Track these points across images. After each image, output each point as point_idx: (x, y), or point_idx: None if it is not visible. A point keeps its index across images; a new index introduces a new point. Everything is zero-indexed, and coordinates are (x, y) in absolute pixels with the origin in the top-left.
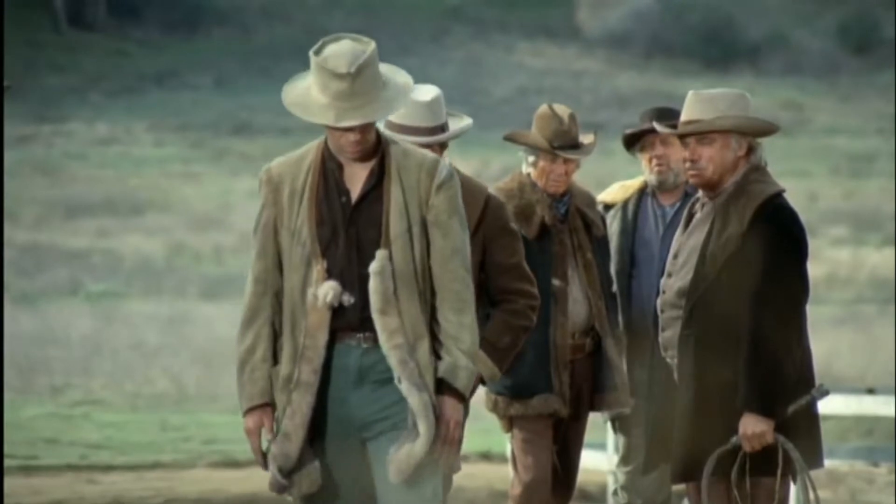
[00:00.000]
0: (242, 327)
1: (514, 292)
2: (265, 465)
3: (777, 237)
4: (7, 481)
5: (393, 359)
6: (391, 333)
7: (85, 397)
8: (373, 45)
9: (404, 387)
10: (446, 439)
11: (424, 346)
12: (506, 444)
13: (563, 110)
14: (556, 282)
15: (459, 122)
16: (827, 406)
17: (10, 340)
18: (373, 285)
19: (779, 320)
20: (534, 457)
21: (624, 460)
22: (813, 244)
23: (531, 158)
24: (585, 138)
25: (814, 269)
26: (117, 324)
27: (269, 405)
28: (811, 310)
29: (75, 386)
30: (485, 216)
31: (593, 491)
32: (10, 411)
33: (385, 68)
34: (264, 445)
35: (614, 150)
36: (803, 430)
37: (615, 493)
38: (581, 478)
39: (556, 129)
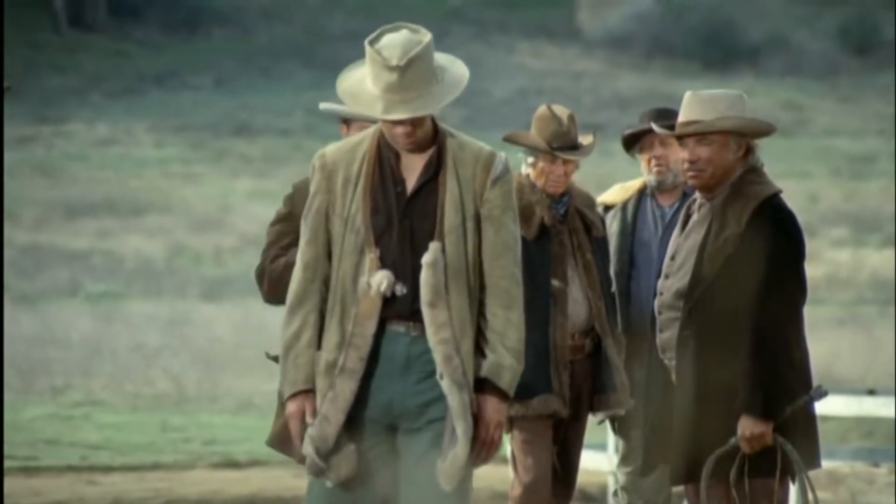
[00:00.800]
0: (289, 312)
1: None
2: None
3: (775, 238)
4: (7, 482)
5: (439, 353)
6: (439, 327)
7: (85, 398)
8: (428, 36)
9: (446, 384)
10: (485, 441)
11: (469, 343)
12: (506, 444)
13: (562, 111)
14: (555, 282)
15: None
16: (827, 407)
17: (10, 341)
18: (424, 277)
19: (777, 321)
20: (534, 457)
21: (624, 461)
22: (813, 245)
23: (530, 159)
24: (584, 139)
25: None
26: (117, 325)
27: (312, 391)
28: (811, 311)
29: (75, 387)
30: None
31: (594, 492)
32: (10, 412)
33: (442, 58)
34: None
35: (615, 151)
36: (801, 430)
37: (615, 493)
38: (581, 478)
39: (555, 130)
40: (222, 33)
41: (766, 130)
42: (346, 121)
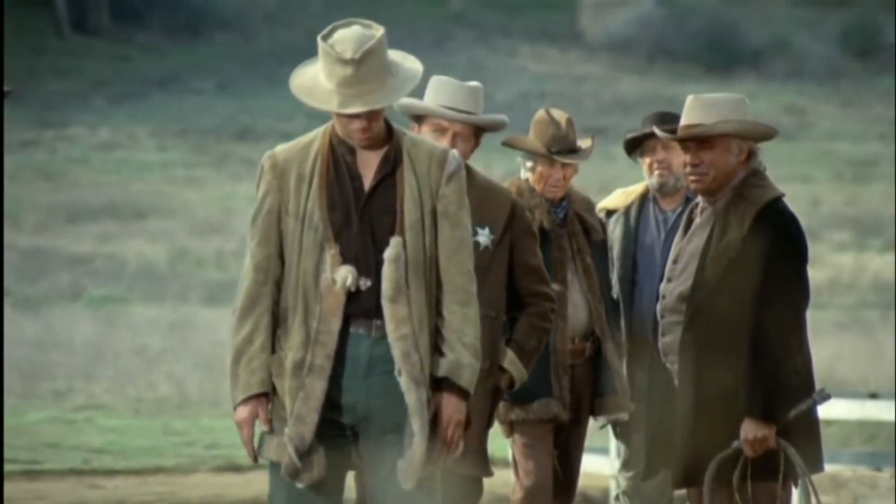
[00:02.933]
0: (240, 316)
1: (538, 295)
2: (255, 457)
3: (777, 242)
4: (9, 486)
5: (397, 350)
6: (399, 322)
7: (87, 402)
8: (381, 31)
9: (403, 381)
10: (444, 440)
11: (426, 339)
12: (507, 448)
13: (560, 115)
14: (555, 286)
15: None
16: (829, 411)
17: (12, 345)
18: (386, 272)
19: (780, 325)
20: (535, 461)
21: (625, 465)
22: (815, 249)
23: (529, 164)
24: (583, 142)
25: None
26: (120, 329)
27: (265, 395)
28: (813, 315)
29: (78, 391)
30: (512, 220)
31: (595, 496)
32: (12, 416)
33: (395, 55)
34: (256, 437)
35: (616, 155)
36: (804, 434)
37: (617, 498)
38: (583, 482)
39: (553, 134)
40: (224, 37)
41: (767, 134)
42: (419, 119)
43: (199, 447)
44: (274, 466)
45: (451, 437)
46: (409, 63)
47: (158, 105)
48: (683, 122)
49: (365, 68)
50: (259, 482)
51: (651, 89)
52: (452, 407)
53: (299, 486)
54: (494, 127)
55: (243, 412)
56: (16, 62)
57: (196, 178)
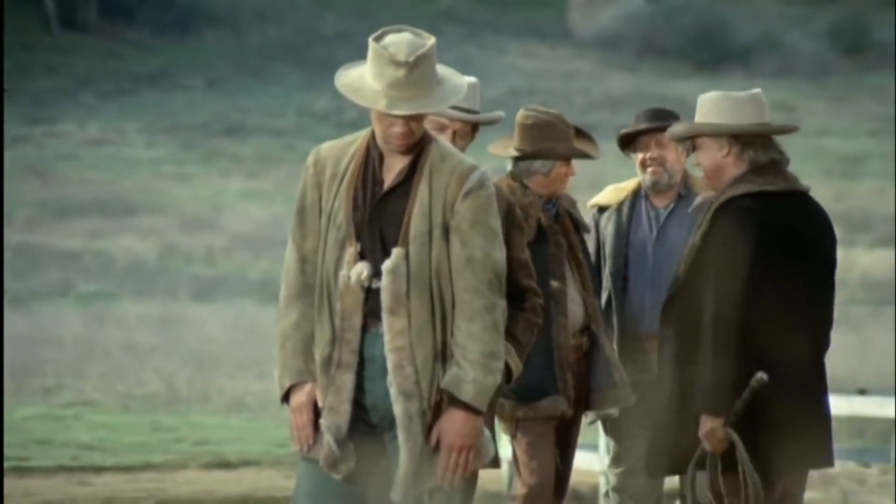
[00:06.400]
0: (287, 303)
1: (528, 290)
2: (313, 441)
3: (719, 237)
4: None
5: (390, 361)
6: (395, 334)
7: (77, 398)
8: (433, 40)
9: (393, 392)
10: (447, 467)
11: (426, 352)
12: (507, 445)
13: (555, 113)
14: (554, 283)
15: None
16: None
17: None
18: (384, 283)
19: (714, 320)
20: (539, 460)
21: (615, 462)
22: None
23: (544, 164)
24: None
25: None
26: (109, 325)
27: (314, 382)
28: None
29: (67, 387)
30: (507, 217)
31: (585, 492)
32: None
33: (442, 68)
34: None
35: (606, 151)
36: (812, 428)
37: (606, 494)
38: (573, 479)
39: (568, 133)
40: (214, 34)
41: (721, 131)
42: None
43: (188, 444)
44: (304, 463)
45: (453, 463)
46: (456, 78)
47: (148, 102)
48: (756, 120)
49: (416, 73)
50: (249, 479)
51: (640, 86)
52: (454, 426)
53: (336, 476)
54: (491, 123)
55: (300, 397)
56: (5, 59)
57: (185, 175)
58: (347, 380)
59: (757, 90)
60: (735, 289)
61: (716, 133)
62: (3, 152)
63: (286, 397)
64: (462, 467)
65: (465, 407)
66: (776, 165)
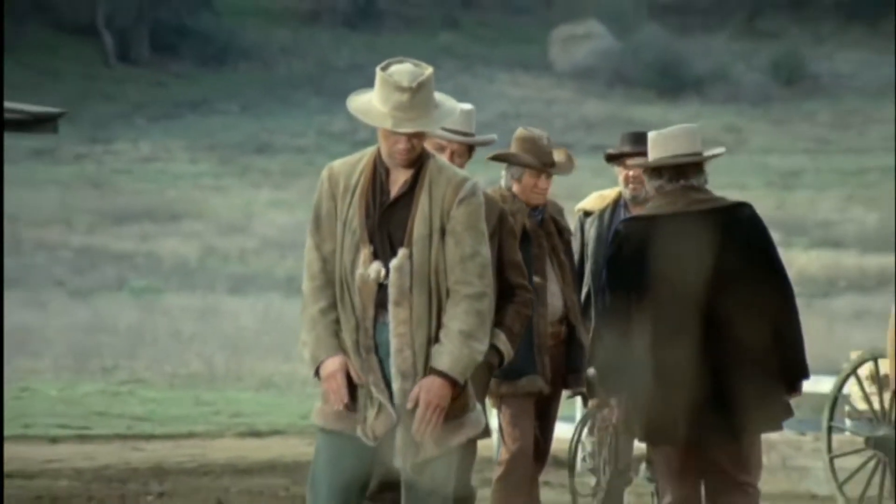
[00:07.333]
0: (313, 293)
1: (520, 286)
2: (352, 400)
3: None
4: (64, 448)
5: (393, 345)
6: (399, 322)
7: (130, 377)
8: (431, 69)
9: (393, 371)
10: (421, 419)
11: (423, 337)
12: (494, 417)
13: (541, 134)
14: (536, 279)
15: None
16: None
17: (66, 329)
18: (392, 278)
19: (595, 313)
20: (520, 429)
21: (592, 431)
22: None
23: (517, 174)
24: (557, 156)
25: None
26: (157, 315)
27: (344, 356)
28: None
29: (122, 367)
30: (500, 223)
31: (563, 458)
32: (67, 389)
33: (439, 94)
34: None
35: (581, 165)
36: (760, 397)
37: (584, 459)
38: (553, 446)
39: (541, 149)
40: (247, 66)
41: (637, 165)
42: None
43: (224, 416)
44: (323, 433)
45: (427, 417)
46: (450, 102)
47: (190, 124)
48: (684, 150)
49: (418, 97)
50: (276, 446)
51: (611, 111)
52: (431, 388)
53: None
54: (485, 144)
55: (333, 364)
56: (70, 88)
57: (222, 187)
58: (374, 360)
59: (690, 125)
60: (602, 291)
61: (640, 166)
62: (3, 166)
63: (316, 371)
64: (433, 423)
65: (442, 375)
66: (683, 190)
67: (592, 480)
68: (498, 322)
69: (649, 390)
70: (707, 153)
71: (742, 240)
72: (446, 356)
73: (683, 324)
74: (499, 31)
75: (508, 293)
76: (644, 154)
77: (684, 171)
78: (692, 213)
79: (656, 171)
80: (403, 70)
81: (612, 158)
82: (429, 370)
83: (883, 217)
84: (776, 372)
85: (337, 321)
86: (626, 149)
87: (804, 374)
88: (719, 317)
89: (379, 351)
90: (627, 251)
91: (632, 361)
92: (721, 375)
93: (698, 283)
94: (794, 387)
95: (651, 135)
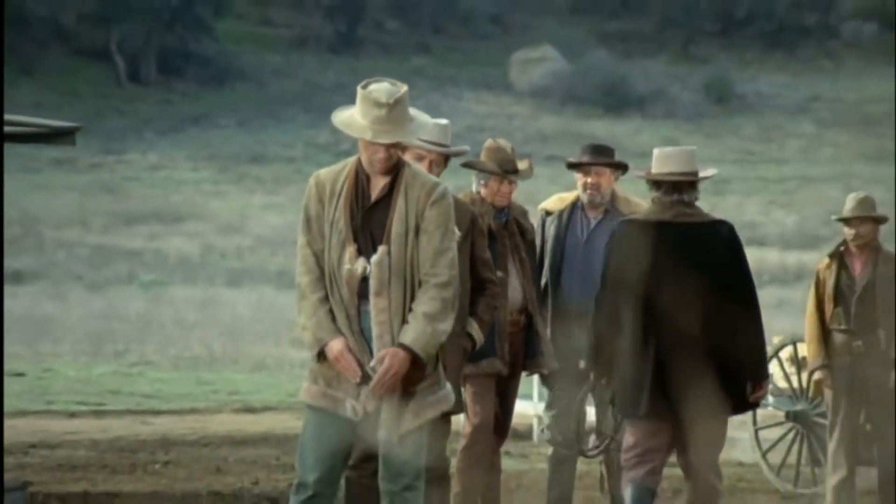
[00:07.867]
0: (309, 286)
1: (489, 281)
2: (362, 374)
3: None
4: (81, 422)
5: (374, 331)
6: (379, 311)
7: (139, 359)
8: (406, 87)
9: (376, 356)
10: (379, 380)
11: (400, 325)
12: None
13: (505, 144)
14: (500, 273)
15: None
16: None
17: (84, 318)
18: (372, 272)
19: (595, 305)
20: (481, 405)
21: (549, 406)
22: None
23: (483, 180)
24: (521, 164)
25: None
26: (163, 305)
27: (343, 337)
28: None
29: (132, 351)
30: (472, 225)
31: (522, 431)
32: (84, 370)
33: (413, 109)
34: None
35: (538, 173)
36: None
37: (542, 431)
38: (513, 421)
39: (503, 158)
40: (243, 86)
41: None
42: (404, 148)
43: (223, 394)
44: (310, 409)
45: (387, 379)
46: (423, 116)
47: (193, 137)
48: (679, 168)
49: (394, 111)
50: (269, 421)
51: (563, 125)
52: (395, 357)
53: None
54: (459, 155)
55: (338, 344)
56: (86, 105)
57: (221, 192)
58: (364, 343)
59: (690, 147)
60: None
61: (643, 178)
62: (3, 174)
63: (319, 352)
64: (389, 386)
65: (405, 348)
66: (675, 203)
67: (549, 450)
68: (472, 312)
69: (627, 370)
70: (701, 174)
71: (718, 251)
72: (410, 332)
73: (656, 315)
74: (465, 55)
75: (479, 287)
76: (601, 164)
77: (679, 186)
78: (679, 224)
79: (655, 183)
80: (381, 88)
81: (573, 166)
82: (396, 343)
83: (800, 219)
84: (734, 371)
85: (331, 311)
86: (586, 159)
87: (763, 374)
88: (689, 315)
89: (364, 336)
90: (620, 247)
91: (619, 347)
92: (678, 363)
93: (674, 282)
94: (755, 387)
95: (655, 151)
